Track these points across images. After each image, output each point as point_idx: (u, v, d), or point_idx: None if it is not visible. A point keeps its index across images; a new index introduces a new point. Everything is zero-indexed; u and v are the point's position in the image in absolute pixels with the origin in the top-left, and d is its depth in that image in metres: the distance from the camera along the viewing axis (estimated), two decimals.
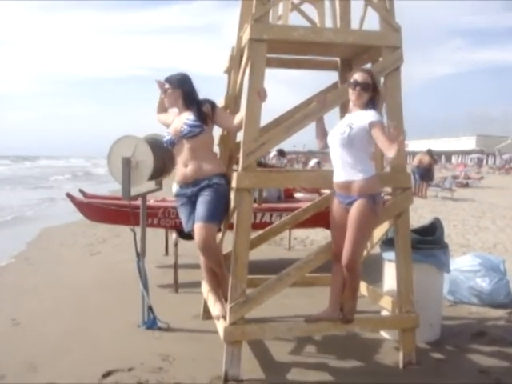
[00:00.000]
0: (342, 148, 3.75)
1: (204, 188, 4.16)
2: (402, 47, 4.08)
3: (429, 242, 4.67)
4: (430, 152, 19.56)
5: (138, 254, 4.84)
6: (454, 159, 71.19)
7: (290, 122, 4.05)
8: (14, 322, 5.04)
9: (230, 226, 4.10)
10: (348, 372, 4.06)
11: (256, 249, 4.88)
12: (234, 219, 3.88)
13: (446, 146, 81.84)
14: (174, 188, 5.31)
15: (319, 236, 9.69)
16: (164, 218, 6.64)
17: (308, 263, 4.08)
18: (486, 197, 19.70)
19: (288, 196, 8.04)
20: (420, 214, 13.19)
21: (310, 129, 4.10)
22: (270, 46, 3.91)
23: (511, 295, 5.69)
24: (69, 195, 6.94)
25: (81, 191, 7.53)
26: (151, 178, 4.64)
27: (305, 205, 5.39)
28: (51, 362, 4.14)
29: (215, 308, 4.22)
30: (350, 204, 3.74)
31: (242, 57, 4.32)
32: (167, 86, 4.35)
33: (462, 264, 5.80)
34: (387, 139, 3.56)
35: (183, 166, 4.27)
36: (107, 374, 3.90)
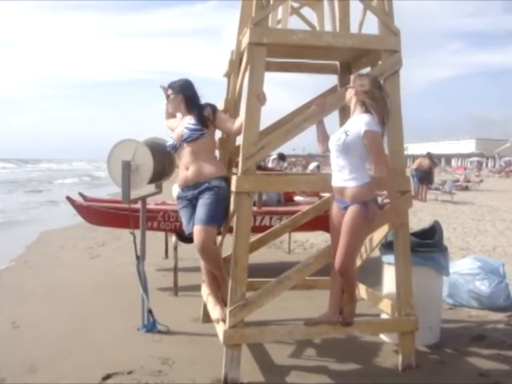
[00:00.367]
0: (338, 154, 3.79)
1: (204, 191, 4.18)
2: (400, 51, 4.10)
3: (428, 245, 4.67)
4: (429, 155, 19.59)
5: (137, 257, 4.85)
6: (453, 162, 71.21)
7: (289, 125, 4.05)
8: (14, 325, 5.04)
9: (230, 230, 4.10)
10: (347, 375, 4.06)
11: (256, 252, 4.89)
12: (234, 222, 3.88)
13: (446, 149, 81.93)
14: (174, 191, 5.32)
15: (319, 239, 9.69)
16: (164, 221, 6.64)
17: (308, 266, 4.08)
18: (486, 200, 19.71)
19: (288, 199, 8.05)
20: (420, 217, 13.20)
21: (310, 132, 4.12)
22: (269, 50, 3.92)
23: (511, 298, 5.68)
24: (69, 198, 6.95)
25: (80, 194, 7.53)
26: (151, 181, 4.65)
27: (304, 208, 5.41)
28: (51, 365, 4.15)
29: (215, 311, 4.22)
30: (346, 209, 3.77)
31: (241, 61, 4.33)
32: (170, 91, 4.41)
33: (462, 267, 5.80)
34: (378, 154, 3.72)
35: (184, 169, 4.30)
36: (107, 377, 3.90)
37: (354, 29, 4.41)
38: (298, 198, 8.18)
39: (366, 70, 4.46)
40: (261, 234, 5.13)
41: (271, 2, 4.03)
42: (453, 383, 3.93)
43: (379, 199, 4.15)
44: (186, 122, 4.31)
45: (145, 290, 4.86)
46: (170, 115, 4.59)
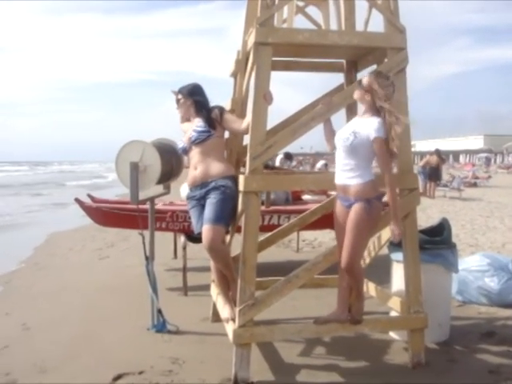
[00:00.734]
0: (344, 153, 3.79)
1: (211, 190, 4.22)
2: (406, 48, 4.09)
3: (437, 243, 4.67)
4: (437, 152, 19.52)
5: (146, 258, 4.87)
6: (461, 159, 70.91)
7: (296, 124, 4.06)
8: (25, 327, 5.08)
9: (238, 229, 4.11)
10: (357, 373, 4.06)
11: (264, 251, 4.90)
12: (242, 222, 3.89)
13: (454, 145, 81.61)
14: (183, 190, 5.34)
15: (327, 238, 9.69)
16: (172, 221, 6.65)
17: (316, 265, 4.09)
18: (495, 196, 19.63)
19: (296, 198, 8.04)
20: (428, 214, 13.16)
21: (317, 130, 4.12)
22: (275, 49, 3.93)
23: None
24: (77, 200, 6.97)
25: (89, 196, 7.56)
26: (159, 181, 4.67)
27: (313, 207, 5.41)
28: (62, 366, 4.17)
29: (224, 310, 4.24)
30: (350, 207, 3.78)
31: (247, 60, 4.34)
32: (180, 96, 4.50)
33: (471, 264, 5.79)
34: (385, 163, 3.73)
35: (193, 169, 4.38)
36: (117, 378, 3.92)
37: (359, 27, 4.41)
38: (306, 197, 8.17)
39: (372, 68, 4.45)
40: (269, 233, 5.14)
41: (276, 2, 4.03)
42: (463, 381, 3.92)
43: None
44: (194, 125, 4.39)
45: (154, 290, 4.88)
46: (185, 119, 4.63)
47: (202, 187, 4.28)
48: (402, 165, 4.13)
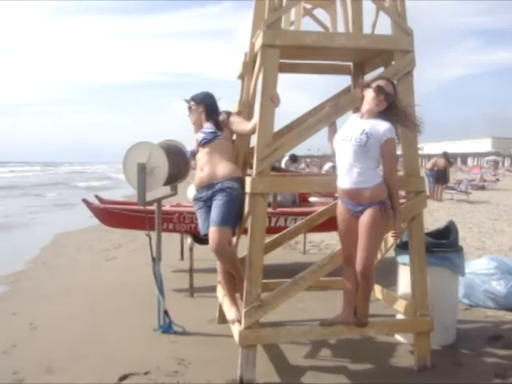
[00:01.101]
0: (354, 155, 3.67)
1: (217, 192, 4.25)
2: (414, 51, 4.09)
3: (443, 245, 4.65)
4: (445, 155, 19.45)
5: (153, 259, 4.89)
6: (469, 161, 70.65)
7: (303, 126, 4.06)
8: (32, 326, 5.11)
9: (245, 231, 4.12)
10: (363, 375, 4.06)
11: (271, 253, 4.90)
12: (249, 224, 3.90)
13: (462, 148, 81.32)
14: (190, 192, 5.35)
15: (334, 240, 9.66)
16: (179, 222, 6.67)
17: (323, 267, 4.09)
18: (502, 199, 19.55)
19: (303, 200, 8.05)
20: (436, 216, 13.12)
21: (325, 133, 4.12)
22: (282, 52, 3.93)
23: None
24: (85, 201, 7.00)
25: (97, 197, 7.59)
26: (166, 183, 4.68)
27: (319, 209, 5.41)
28: (69, 366, 4.20)
29: (230, 312, 4.25)
30: (360, 212, 3.73)
31: (255, 62, 4.35)
32: (192, 103, 4.58)
33: (478, 267, 5.77)
34: (392, 164, 3.77)
35: (200, 170, 4.42)
36: (123, 378, 3.94)
37: (366, 29, 4.41)
38: (312, 199, 8.18)
39: (379, 70, 4.45)
40: (276, 235, 5.14)
41: (284, 4, 4.04)
42: None
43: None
44: (203, 128, 4.47)
45: (161, 291, 4.90)
46: (198, 128, 4.65)
47: (209, 188, 4.32)
48: (408, 168, 4.13)
